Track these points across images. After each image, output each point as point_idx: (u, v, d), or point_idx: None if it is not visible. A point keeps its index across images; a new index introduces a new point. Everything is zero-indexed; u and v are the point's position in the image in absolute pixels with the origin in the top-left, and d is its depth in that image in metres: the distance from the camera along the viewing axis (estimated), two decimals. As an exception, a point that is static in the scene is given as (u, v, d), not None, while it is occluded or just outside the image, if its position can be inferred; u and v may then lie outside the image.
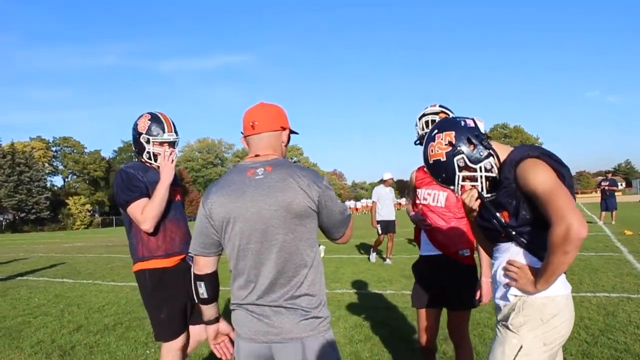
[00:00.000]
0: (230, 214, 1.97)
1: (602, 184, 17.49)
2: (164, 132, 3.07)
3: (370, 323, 5.42)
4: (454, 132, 2.04)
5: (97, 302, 7.46)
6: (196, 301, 2.18)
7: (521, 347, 1.92)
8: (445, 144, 2.05)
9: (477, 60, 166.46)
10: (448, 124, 2.11)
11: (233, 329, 2.12)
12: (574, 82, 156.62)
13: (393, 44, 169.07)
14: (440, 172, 2.08)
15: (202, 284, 2.10)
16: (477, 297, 3.14)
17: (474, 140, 2.03)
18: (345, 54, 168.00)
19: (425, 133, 2.87)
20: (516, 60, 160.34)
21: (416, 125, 3.32)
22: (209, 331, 2.22)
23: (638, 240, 11.73)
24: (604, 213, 17.33)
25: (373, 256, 11.16)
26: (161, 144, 3.08)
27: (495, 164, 2.05)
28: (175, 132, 3.13)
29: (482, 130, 2.11)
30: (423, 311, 3.31)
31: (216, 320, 2.20)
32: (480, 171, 2.03)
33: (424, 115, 3.25)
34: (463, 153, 2.02)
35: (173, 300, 3.00)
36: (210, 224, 2.02)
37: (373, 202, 11.11)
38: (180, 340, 3.04)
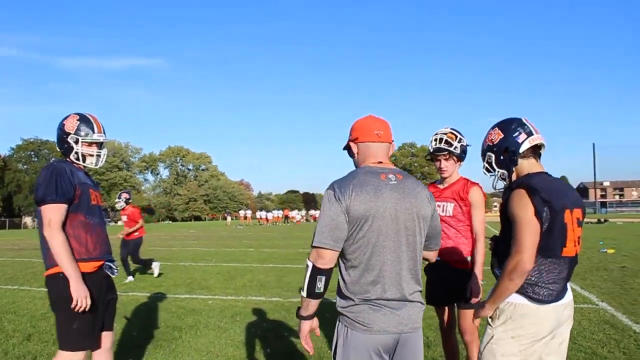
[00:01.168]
0: (369, 211, 2.09)
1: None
2: (93, 132, 3.10)
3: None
4: (501, 136, 2.50)
5: (36, 309, 6.89)
6: (305, 295, 2.13)
7: (492, 336, 2.41)
8: (492, 138, 2.55)
9: (386, 79, 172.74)
10: (506, 127, 2.52)
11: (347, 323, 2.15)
12: (478, 105, 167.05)
13: (303, 55, 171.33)
14: (481, 152, 2.65)
15: (323, 278, 2.10)
16: (468, 296, 3.46)
17: (504, 152, 2.49)
18: (257, 63, 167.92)
19: (434, 149, 3.57)
20: (423, 80, 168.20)
21: (430, 142, 3.68)
22: (306, 326, 2.20)
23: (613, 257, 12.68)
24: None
25: None
26: (90, 144, 3.10)
27: (508, 178, 2.52)
28: (104, 133, 3.16)
29: (524, 146, 2.45)
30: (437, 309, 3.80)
31: (314, 315, 2.21)
32: (497, 174, 2.57)
33: (436, 134, 3.64)
34: (493, 153, 2.54)
35: (89, 310, 2.87)
36: (346, 219, 2.10)
37: None
38: (82, 355, 2.92)
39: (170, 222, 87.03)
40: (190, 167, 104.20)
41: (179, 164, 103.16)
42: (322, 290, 2.12)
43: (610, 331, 5.31)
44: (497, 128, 2.54)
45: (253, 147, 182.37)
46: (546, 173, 2.47)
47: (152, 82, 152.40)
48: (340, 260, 2.19)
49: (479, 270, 3.50)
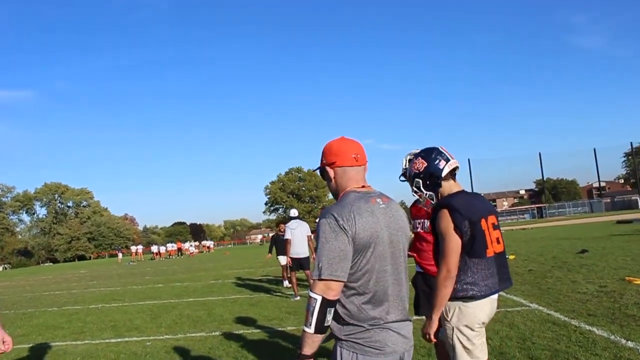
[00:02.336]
0: (372, 237, 2.07)
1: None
2: None
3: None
4: (425, 164, 2.99)
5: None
6: (313, 332, 1.99)
7: (452, 328, 2.85)
8: (417, 167, 3.02)
9: (268, 105, 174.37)
10: (427, 157, 3.01)
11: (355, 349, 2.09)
12: (355, 131, 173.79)
13: (182, 88, 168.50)
14: (408, 179, 3.15)
15: (332, 310, 2.04)
16: None
17: (430, 177, 2.97)
18: (136, 94, 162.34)
19: (406, 169, 3.74)
20: (307, 111, 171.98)
21: (402, 164, 3.91)
22: None
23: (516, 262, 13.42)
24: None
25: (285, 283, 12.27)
26: None
27: (436, 198, 3.01)
28: None
29: (445, 171, 2.96)
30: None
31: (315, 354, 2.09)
32: (424, 195, 3.04)
33: (408, 154, 3.88)
34: (420, 179, 3.01)
35: None
36: (351, 248, 2.04)
37: (286, 239, 10.90)
38: None
39: (51, 264, 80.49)
40: (70, 204, 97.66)
41: (58, 201, 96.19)
42: (329, 323, 2.05)
43: (555, 328, 5.72)
44: (420, 158, 3.01)
45: (135, 180, 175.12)
46: (463, 190, 3.00)
47: (19, 116, 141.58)
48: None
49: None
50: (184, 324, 8.37)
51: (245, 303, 10.34)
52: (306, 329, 2.01)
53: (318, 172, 2.40)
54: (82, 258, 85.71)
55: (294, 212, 11.96)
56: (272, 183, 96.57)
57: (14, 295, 18.03)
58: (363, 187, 2.24)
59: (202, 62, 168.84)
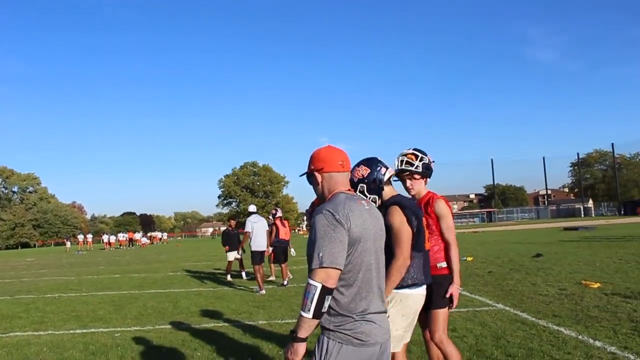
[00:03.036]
0: (362, 233, 2.27)
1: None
2: None
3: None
4: (368, 171, 3.34)
5: None
6: (311, 316, 2.14)
7: (388, 315, 2.88)
8: (361, 174, 3.35)
9: (221, 100, 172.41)
10: (369, 164, 3.38)
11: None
12: (310, 129, 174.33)
13: (136, 75, 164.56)
14: (351, 184, 3.25)
15: (330, 297, 2.19)
16: (447, 297, 3.73)
17: (373, 183, 3.32)
18: (87, 80, 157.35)
19: (397, 170, 3.87)
20: (263, 106, 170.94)
21: (394, 163, 3.94)
22: (303, 348, 2.20)
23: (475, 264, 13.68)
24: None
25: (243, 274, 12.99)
26: None
27: (378, 201, 3.35)
28: None
29: (386, 177, 3.37)
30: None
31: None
32: (369, 198, 3.31)
33: (399, 155, 3.95)
34: (364, 184, 3.33)
35: None
36: (347, 241, 2.22)
37: (246, 232, 10.95)
38: None
39: (-9, 251, 77.09)
40: (16, 189, 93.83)
41: (2, 185, 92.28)
42: (326, 309, 2.19)
43: (525, 328, 5.95)
44: (362, 165, 3.38)
45: (85, 168, 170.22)
46: (400, 194, 3.45)
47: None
48: None
49: (456, 276, 3.79)
50: (150, 315, 8.22)
51: (210, 296, 10.25)
52: (304, 314, 2.15)
53: (305, 177, 2.58)
54: (25, 245, 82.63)
55: (252, 208, 12.33)
56: (227, 177, 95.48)
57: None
58: (348, 190, 2.46)
59: (159, 48, 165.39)
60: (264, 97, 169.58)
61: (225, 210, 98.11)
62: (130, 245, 51.82)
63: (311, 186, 2.57)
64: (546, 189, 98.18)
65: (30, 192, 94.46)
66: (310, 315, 2.13)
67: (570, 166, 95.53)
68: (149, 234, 67.76)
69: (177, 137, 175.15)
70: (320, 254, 2.15)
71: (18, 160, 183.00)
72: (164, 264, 20.79)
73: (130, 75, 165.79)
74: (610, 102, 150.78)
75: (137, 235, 57.26)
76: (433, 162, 3.92)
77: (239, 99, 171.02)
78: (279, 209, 12.52)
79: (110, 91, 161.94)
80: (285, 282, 11.25)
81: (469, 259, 14.97)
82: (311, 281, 2.15)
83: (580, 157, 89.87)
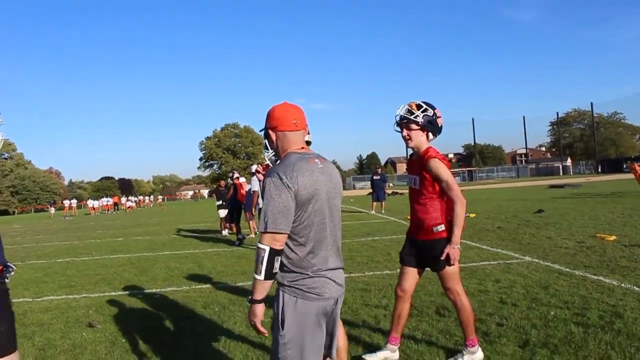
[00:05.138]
0: (312, 194, 2.31)
1: (374, 177, 20.09)
2: None
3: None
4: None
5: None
6: (263, 278, 2.25)
7: None
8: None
9: (203, 61, 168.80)
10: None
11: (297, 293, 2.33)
12: (291, 90, 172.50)
13: (117, 37, 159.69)
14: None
15: (279, 258, 2.29)
16: (444, 258, 3.62)
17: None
18: (66, 42, 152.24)
19: (397, 118, 3.76)
20: (242, 67, 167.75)
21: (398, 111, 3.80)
22: (260, 309, 2.33)
23: (479, 220, 13.87)
24: (375, 203, 19.85)
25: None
26: None
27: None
28: None
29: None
30: (405, 268, 3.91)
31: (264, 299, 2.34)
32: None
33: (408, 103, 3.77)
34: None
35: None
36: (293, 204, 2.27)
37: (254, 191, 11.91)
38: None
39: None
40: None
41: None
42: (277, 270, 2.30)
43: (565, 278, 6.12)
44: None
45: (60, 132, 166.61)
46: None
47: None
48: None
49: (457, 234, 3.60)
50: (179, 276, 8.21)
51: (230, 256, 10.29)
52: (257, 277, 2.26)
53: (262, 134, 2.59)
54: (4, 213, 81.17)
55: (254, 167, 12.45)
56: (208, 139, 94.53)
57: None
58: (302, 149, 2.46)
59: (136, 8, 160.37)
60: (245, 56, 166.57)
61: (207, 172, 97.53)
62: (115, 210, 51.41)
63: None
64: (526, 147, 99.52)
65: (5, 159, 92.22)
66: (262, 277, 2.25)
67: (550, 125, 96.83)
68: (135, 198, 67.27)
69: (155, 99, 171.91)
70: (266, 219, 2.24)
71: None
72: (161, 227, 20.72)
73: (109, 36, 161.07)
74: (589, 63, 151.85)
75: (123, 200, 56.80)
76: (439, 117, 3.74)
77: (220, 58, 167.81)
78: (235, 172, 14.64)
79: (86, 52, 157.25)
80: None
81: (472, 215, 15.16)
82: (260, 245, 2.26)
83: (559, 116, 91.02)
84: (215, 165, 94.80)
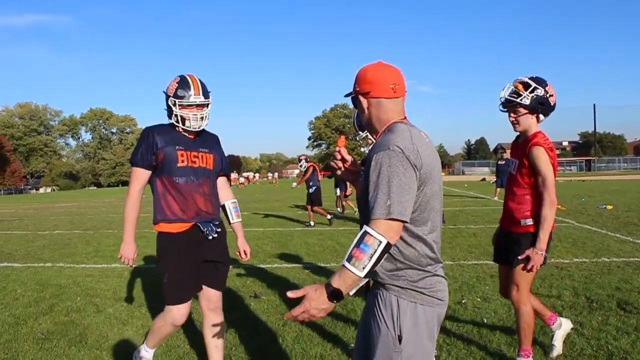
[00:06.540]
0: (429, 173, 1.86)
1: (499, 162, 19.18)
2: (190, 94, 3.05)
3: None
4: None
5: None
6: (364, 275, 1.71)
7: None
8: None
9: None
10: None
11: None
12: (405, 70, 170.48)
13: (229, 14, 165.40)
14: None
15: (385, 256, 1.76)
16: (522, 258, 3.26)
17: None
18: (181, 20, 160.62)
19: (501, 102, 3.37)
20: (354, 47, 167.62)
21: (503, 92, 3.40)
22: (331, 309, 1.78)
23: (620, 212, 13.06)
24: (499, 189, 18.91)
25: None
26: (188, 106, 3.06)
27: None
28: (205, 94, 3.09)
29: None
30: (498, 266, 3.68)
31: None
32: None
33: (515, 81, 3.36)
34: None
35: (176, 267, 3.03)
36: (416, 186, 1.81)
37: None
38: (177, 311, 3.05)
39: (96, 187, 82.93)
40: (115, 130, 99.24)
41: (102, 127, 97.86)
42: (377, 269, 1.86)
43: None
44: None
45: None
46: None
47: (59, 41, 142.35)
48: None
49: (541, 240, 3.20)
50: (324, 252, 8.29)
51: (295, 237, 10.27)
52: (357, 272, 1.70)
53: (350, 99, 2.17)
54: (125, 184, 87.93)
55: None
56: (317, 118, 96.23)
57: (95, 215, 18.47)
58: (405, 118, 2.00)
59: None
60: (358, 37, 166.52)
61: (316, 151, 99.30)
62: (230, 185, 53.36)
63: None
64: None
65: (127, 133, 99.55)
66: (363, 273, 1.70)
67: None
68: (250, 175, 70.18)
69: (265, 78, 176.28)
70: (389, 202, 1.73)
71: (116, 103, 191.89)
72: (281, 203, 21.02)
73: (228, 14, 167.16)
74: None
75: (234, 175, 59.21)
76: (552, 95, 3.27)
77: (332, 39, 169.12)
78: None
79: (206, 32, 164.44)
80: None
81: (609, 207, 14.09)
82: (375, 233, 1.71)
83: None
84: (323, 145, 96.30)
